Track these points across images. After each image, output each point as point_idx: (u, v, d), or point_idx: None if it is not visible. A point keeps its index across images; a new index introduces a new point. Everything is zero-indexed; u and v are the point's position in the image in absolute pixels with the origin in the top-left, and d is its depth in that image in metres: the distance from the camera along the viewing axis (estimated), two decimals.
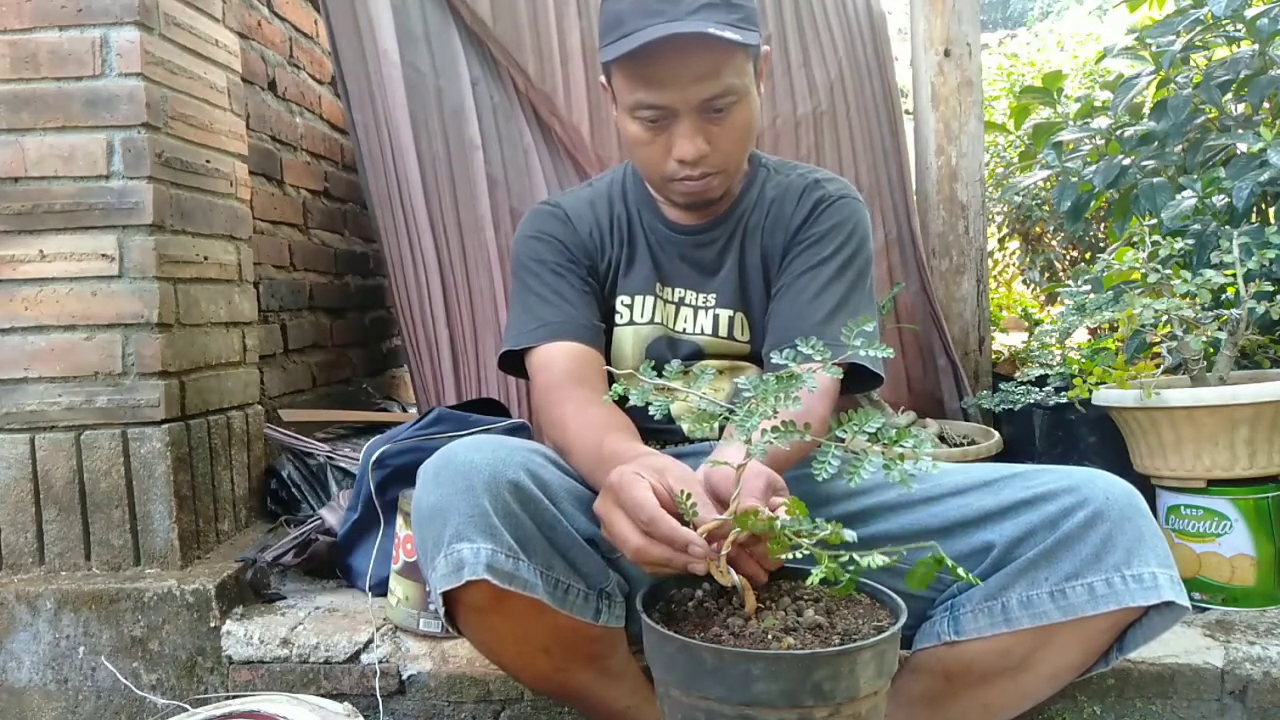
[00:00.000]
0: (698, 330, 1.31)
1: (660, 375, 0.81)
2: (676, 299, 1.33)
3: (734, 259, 1.32)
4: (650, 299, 1.32)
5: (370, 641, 1.36)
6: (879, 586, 0.85)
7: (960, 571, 0.76)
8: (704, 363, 1.31)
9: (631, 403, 0.83)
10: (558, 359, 1.22)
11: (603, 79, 1.24)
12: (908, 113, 2.29)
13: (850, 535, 0.76)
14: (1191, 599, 0.95)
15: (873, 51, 2.13)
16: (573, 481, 1.07)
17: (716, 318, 1.31)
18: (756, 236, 1.31)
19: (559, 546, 1.01)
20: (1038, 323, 3.00)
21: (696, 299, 1.32)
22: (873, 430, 0.72)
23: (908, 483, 0.71)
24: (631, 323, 1.32)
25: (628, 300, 1.32)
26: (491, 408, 1.77)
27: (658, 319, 1.31)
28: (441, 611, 1.01)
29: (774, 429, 0.76)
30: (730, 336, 1.31)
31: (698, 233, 1.32)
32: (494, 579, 0.93)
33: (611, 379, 1.31)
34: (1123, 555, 0.94)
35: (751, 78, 1.17)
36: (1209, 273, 1.51)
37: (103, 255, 1.43)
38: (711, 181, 1.21)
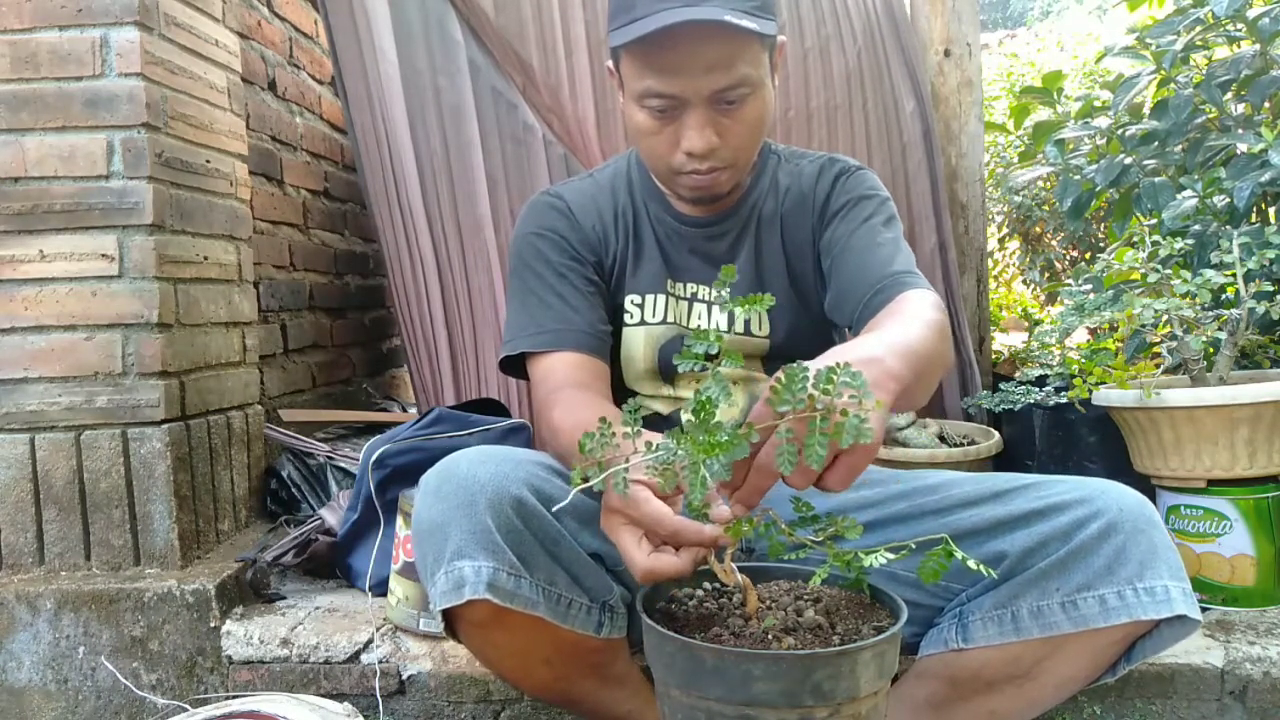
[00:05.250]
0: (713, 327, 1.27)
1: (670, 382, 0.80)
2: (689, 295, 1.28)
3: (749, 250, 1.28)
4: (661, 297, 1.28)
5: (370, 641, 1.36)
6: (880, 587, 0.85)
7: (971, 563, 0.76)
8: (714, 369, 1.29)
9: (642, 414, 0.82)
10: (557, 370, 1.18)
11: (609, 64, 1.19)
12: None
13: (852, 533, 0.76)
14: None
15: (893, 43, 2.11)
16: (579, 496, 1.05)
17: (732, 314, 1.27)
18: (775, 224, 1.28)
19: (562, 562, 1.00)
20: (1038, 323, 3.00)
21: (709, 294, 1.28)
22: (802, 405, 0.69)
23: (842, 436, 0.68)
24: (643, 323, 1.28)
25: (637, 299, 1.28)
26: (491, 408, 1.77)
27: (670, 318, 1.27)
28: (442, 626, 1.01)
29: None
30: (748, 333, 1.28)
31: (708, 224, 1.28)
32: (495, 598, 0.92)
33: (617, 388, 1.30)
34: (1135, 568, 0.94)
35: (766, 69, 1.13)
36: (1209, 273, 1.51)
37: (103, 255, 1.43)
38: (720, 176, 1.17)
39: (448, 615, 0.98)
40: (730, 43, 1.06)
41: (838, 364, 0.70)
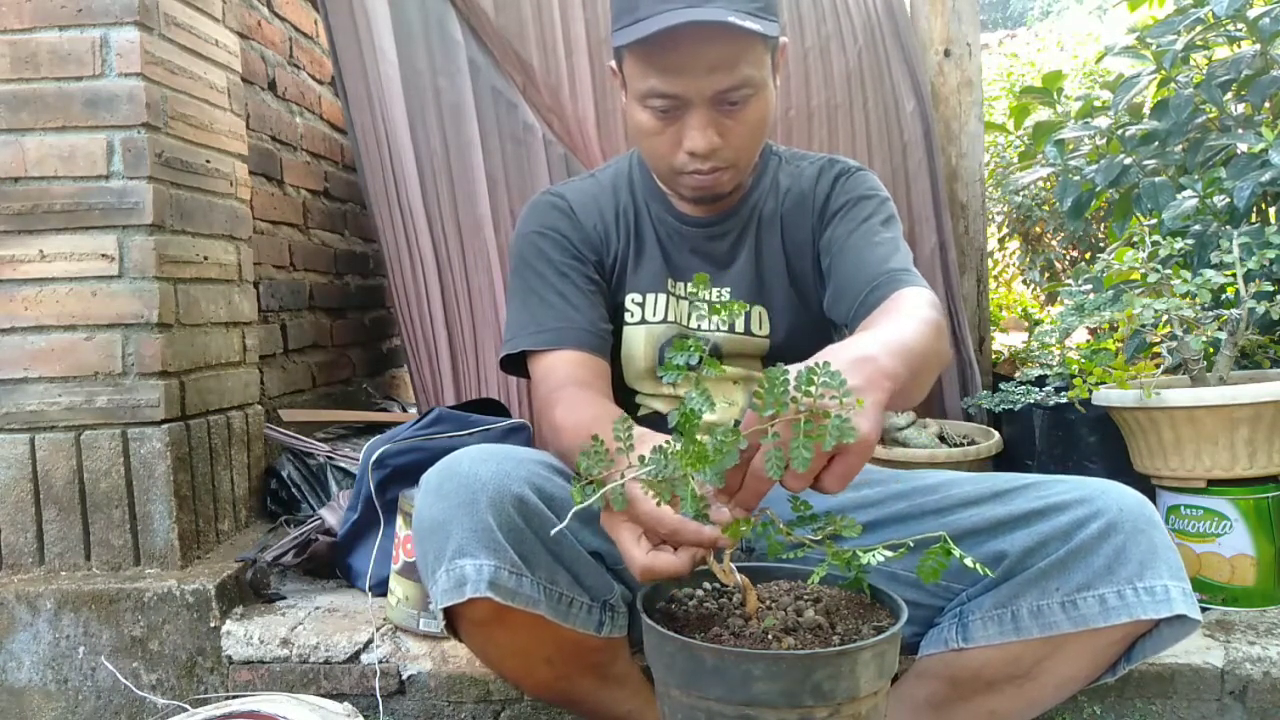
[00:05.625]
0: (713, 327, 1.28)
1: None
2: (689, 294, 1.29)
3: (749, 250, 1.28)
4: (662, 296, 1.28)
5: (370, 641, 1.36)
6: (880, 587, 0.85)
7: (968, 562, 0.76)
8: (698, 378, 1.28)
9: (640, 414, 0.82)
10: (558, 369, 1.19)
11: (612, 64, 1.20)
12: None
13: (850, 531, 0.76)
14: None
15: (894, 42, 2.11)
16: None
17: (732, 313, 1.28)
18: (775, 225, 1.28)
19: (563, 561, 1.01)
20: (1038, 323, 3.00)
21: (710, 294, 1.28)
22: (785, 408, 0.69)
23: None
24: (643, 321, 1.28)
25: (638, 298, 1.29)
26: (491, 408, 1.77)
27: (671, 317, 1.28)
28: (443, 624, 1.01)
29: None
30: (748, 332, 1.28)
31: (709, 224, 1.28)
32: (496, 596, 0.92)
33: (618, 387, 1.30)
34: (1135, 568, 0.94)
35: (769, 70, 1.14)
36: (1209, 273, 1.51)
37: (103, 255, 1.43)
38: (721, 176, 1.17)
39: (449, 614, 0.98)
40: (733, 44, 1.07)
41: (817, 364, 0.70)
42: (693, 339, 0.77)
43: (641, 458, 0.76)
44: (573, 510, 0.77)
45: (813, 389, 0.69)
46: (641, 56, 1.09)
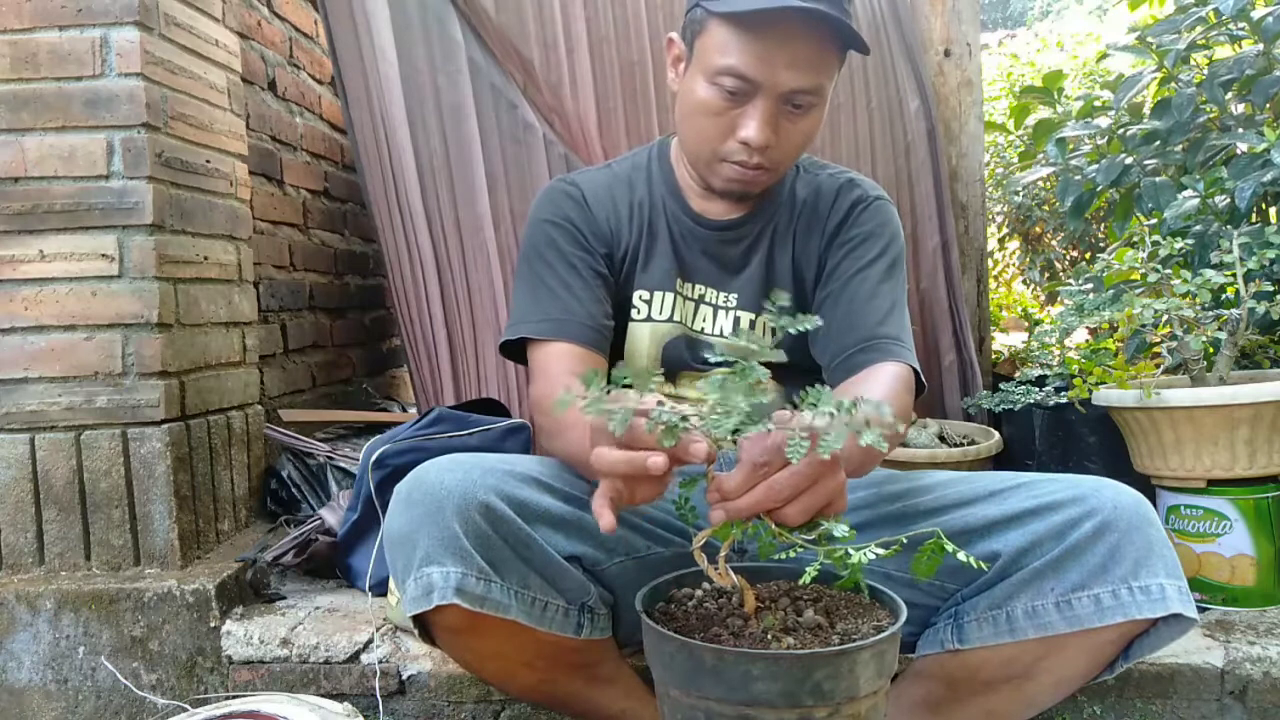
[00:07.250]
0: (717, 331, 1.28)
1: (671, 380, 0.79)
2: (696, 296, 1.29)
3: (761, 259, 1.28)
4: (670, 295, 1.27)
5: (370, 641, 1.36)
6: (879, 586, 0.85)
7: (962, 556, 0.76)
8: (716, 372, 1.28)
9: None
10: (557, 359, 1.19)
11: (673, 35, 1.19)
12: None
13: (841, 529, 0.76)
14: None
15: (898, 41, 2.11)
16: (553, 501, 1.04)
17: (737, 320, 1.28)
18: (788, 238, 1.28)
19: (535, 565, 1.00)
20: (1038, 323, 3.00)
21: (717, 297, 1.28)
22: (829, 409, 0.71)
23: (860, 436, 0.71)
24: (649, 319, 1.28)
25: (646, 295, 1.28)
26: (492, 408, 1.77)
27: (677, 317, 1.27)
28: (416, 633, 1.01)
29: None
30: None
31: (724, 228, 1.28)
32: (464, 602, 0.92)
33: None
34: (1130, 566, 0.93)
35: (831, 89, 1.15)
36: (1209, 273, 1.51)
37: (103, 255, 1.43)
38: (760, 176, 1.17)
39: (424, 622, 0.98)
40: (822, 47, 1.08)
41: (863, 398, 0.73)
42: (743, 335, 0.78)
43: (660, 402, 0.76)
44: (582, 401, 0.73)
45: (854, 410, 0.71)
46: (733, 30, 1.08)
